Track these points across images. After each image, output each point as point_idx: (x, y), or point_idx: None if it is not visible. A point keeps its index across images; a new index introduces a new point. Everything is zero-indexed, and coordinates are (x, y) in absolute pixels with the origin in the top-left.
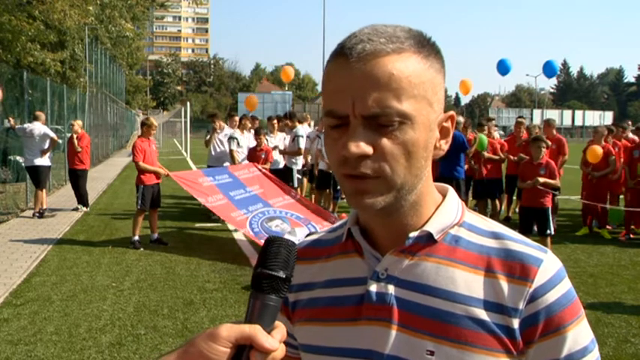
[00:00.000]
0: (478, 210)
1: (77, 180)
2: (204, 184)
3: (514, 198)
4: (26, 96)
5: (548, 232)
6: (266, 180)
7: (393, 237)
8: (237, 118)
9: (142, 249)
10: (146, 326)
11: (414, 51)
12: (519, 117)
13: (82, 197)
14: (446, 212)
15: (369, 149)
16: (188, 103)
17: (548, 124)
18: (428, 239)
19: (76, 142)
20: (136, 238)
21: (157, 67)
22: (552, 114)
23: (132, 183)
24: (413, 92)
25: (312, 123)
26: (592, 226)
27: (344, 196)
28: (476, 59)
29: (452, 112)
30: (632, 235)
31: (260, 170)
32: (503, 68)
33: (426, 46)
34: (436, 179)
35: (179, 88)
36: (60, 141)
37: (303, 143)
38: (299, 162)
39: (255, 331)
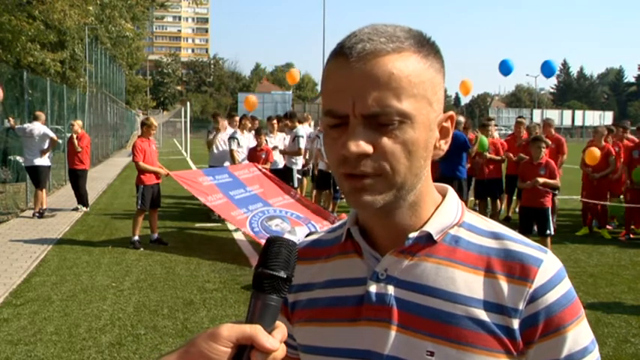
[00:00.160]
0: (478, 210)
1: (77, 180)
2: (204, 184)
3: (514, 198)
4: (26, 96)
5: (548, 232)
6: (266, 180)
7: (393, 237)
8: (237, 118)
9: (141, 249)
10: (146, 326)
11: (414, 50)
12: (519, 117)
13: (81, 197)
14: (445, 212)
15: (369, 148)
16: (188, 103)
17: (546, 123)
18: (427, 239)
19: (76, 142)
20: (136, 238)
21: (156, 67)
22: (552, 114)
23: (132, 183)
24: (413, 91)
25: (313, 123)
26: (592, 226)
27: (344, 196)
28: (476, 59)
29: (451, 112)
30: (632, 235)
31: (260, 170)
32: (505, 69)
33: (425, 45)
34: (438, 179)
35: (179, 88)
36: (60, 141)
37: (303, 143)
38: (299, 162)
39: (256, 331)
